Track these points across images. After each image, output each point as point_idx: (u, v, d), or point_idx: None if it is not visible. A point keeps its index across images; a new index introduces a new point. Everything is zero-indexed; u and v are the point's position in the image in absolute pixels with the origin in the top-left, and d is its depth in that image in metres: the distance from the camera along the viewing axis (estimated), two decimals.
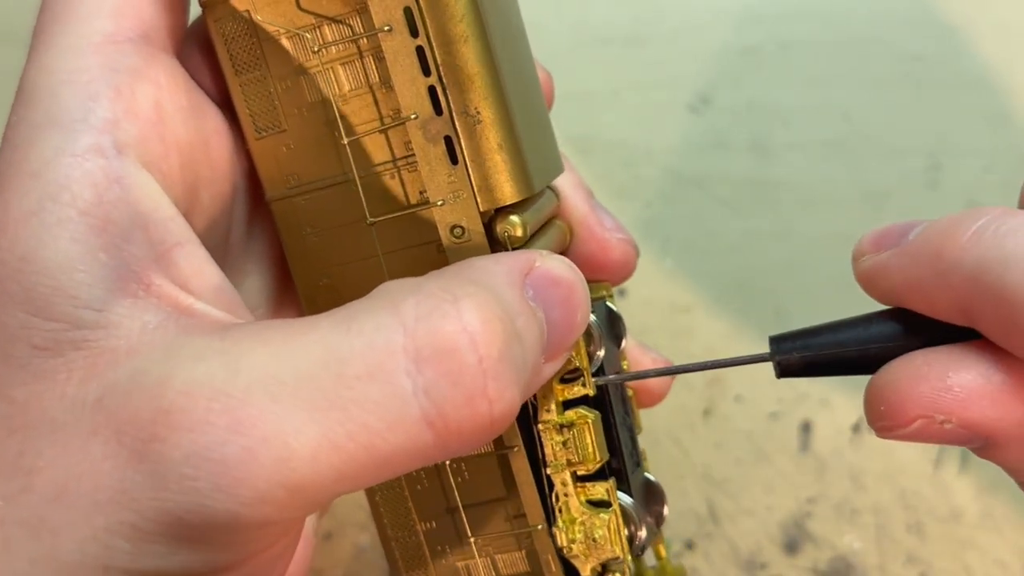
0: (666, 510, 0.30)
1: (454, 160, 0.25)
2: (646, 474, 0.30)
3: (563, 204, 0.30)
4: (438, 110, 0.25)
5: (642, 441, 0.31)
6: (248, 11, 0.26)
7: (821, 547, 0.40)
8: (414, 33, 0.24)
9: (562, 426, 0.27)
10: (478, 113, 0.25)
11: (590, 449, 0.27)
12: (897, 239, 0.24)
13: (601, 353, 0.28)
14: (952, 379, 0.22)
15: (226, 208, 0.27)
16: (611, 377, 0.28)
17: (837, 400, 0.44)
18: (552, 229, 0.29)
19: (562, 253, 0.29)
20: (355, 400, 0.20)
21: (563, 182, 0.30)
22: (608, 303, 0.30)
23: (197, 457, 0.20)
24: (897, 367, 0.23)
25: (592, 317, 0.27)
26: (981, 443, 0.23)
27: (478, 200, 0.25)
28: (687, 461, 0.43)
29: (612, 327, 0.30)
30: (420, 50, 0.24)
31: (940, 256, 0.22)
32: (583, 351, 0.27)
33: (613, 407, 0.28)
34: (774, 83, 0.54)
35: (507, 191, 0.25)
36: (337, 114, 0.26)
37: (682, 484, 0.42)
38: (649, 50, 0.56)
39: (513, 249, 0.26)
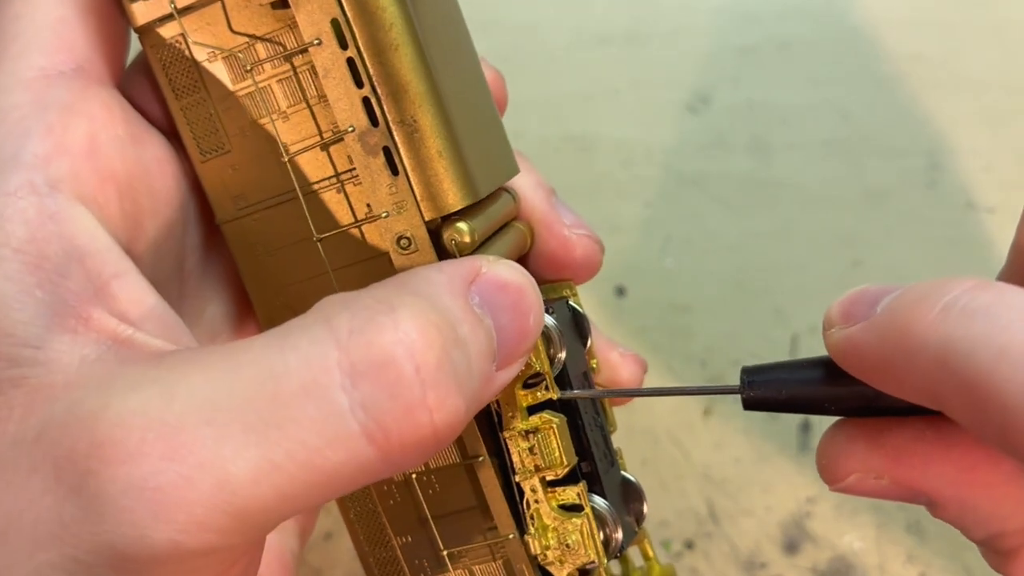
0: (646, 507, 0.30)
1: (394, 171, 0.25)
2: (624, 473, 0.30)
3: (522, 204, 0.29)
4: (374, 121, 0.25)
5: (642, 441, 0.31)
6: (182, 35, 0.26)
7: (821, 547, 0.40)
8: (343, 45, 0.24)
9: (527, 432, 0.27)
10: (415, 122, 0.24)
11: (556, 454, 0.27)
12: (866, 310, 0.22)
13: (563, 355, 0.27)
14: (885, 436, 0.23)
15: (175, 236, 0.27)
16: (576, 392, 0.28)
17: None
18: (510, 231, 0.28)
19: (523, 255, 0.29)
20: (292, 419, 0.20)
21: (521, 182, 0.29)
22: (571, 302, 0.30)
23: (134, 488, 0.20)
24: (841, 423, 0.24)
25: (551, 319, 0.27)
26: (923, 501, 0.23)
27: (422, 209, 0.25)
28: (687, 461, 0.43)
29: (577, 326, 0.30)
30: (351, 62, 0.24)
31: (906, 334, 0.21)
32: (543, 355, 0.27)
33: (581, 409, 0.28)
34: (773, 83, 0.54)
35: (451, 198, 0.25)
36: (276, 132, 0.26)
37: (682, 484, 0.42)
38: (649, 50, 0.56)
39: (462, 256, 0.25)
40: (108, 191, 0.24)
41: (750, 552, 0.41)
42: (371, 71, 0.24)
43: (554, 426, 0.27)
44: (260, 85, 0.26)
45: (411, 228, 0.25)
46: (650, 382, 0.33)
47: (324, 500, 0.21)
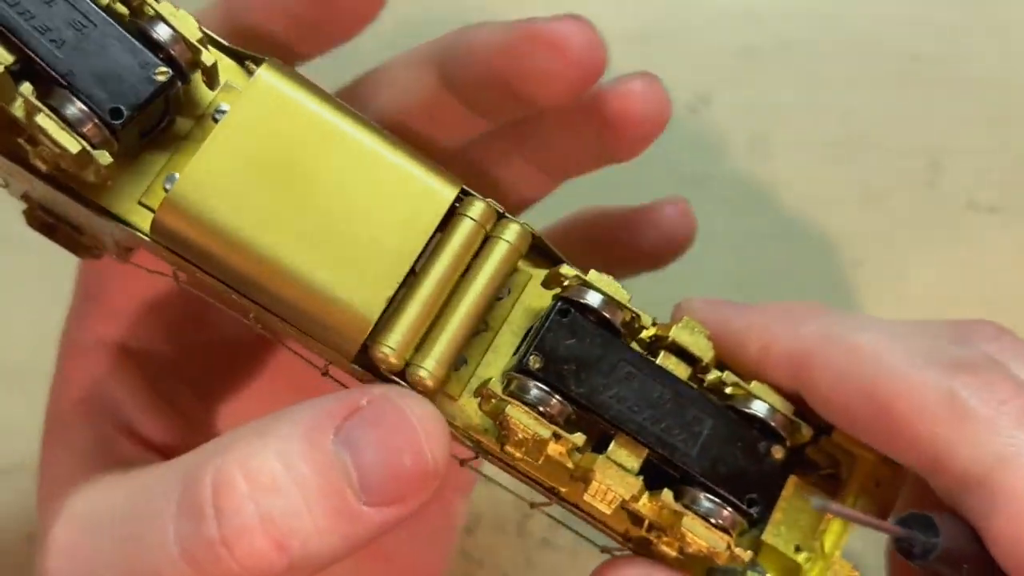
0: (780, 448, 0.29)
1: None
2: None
3: (409, 106, 0.31)
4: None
5: None
6: None
7: None
8: None
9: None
10: (256, 310, 0.24)
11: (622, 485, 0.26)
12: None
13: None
14: None
15: None
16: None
17: None
18: (489, 252, 0.25)
19: (515, 261, 0.26)
20: (140, 538, 0.24)
21: (404, 95, 0.31)
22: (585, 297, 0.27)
23: None
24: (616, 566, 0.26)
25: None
26: None
27: (342, 354, 0.24)
28: None
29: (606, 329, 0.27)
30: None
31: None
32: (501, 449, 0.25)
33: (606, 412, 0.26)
34: (774, 83, 0.54)
35: (348, 343, 0.24)
36: None
37: None
38: (648, 49, 0.56)
39: (392, 375, 0.24)
40: None
41: None
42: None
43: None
44: None
45: (346, 367, 0.25)
46: None
47: None
